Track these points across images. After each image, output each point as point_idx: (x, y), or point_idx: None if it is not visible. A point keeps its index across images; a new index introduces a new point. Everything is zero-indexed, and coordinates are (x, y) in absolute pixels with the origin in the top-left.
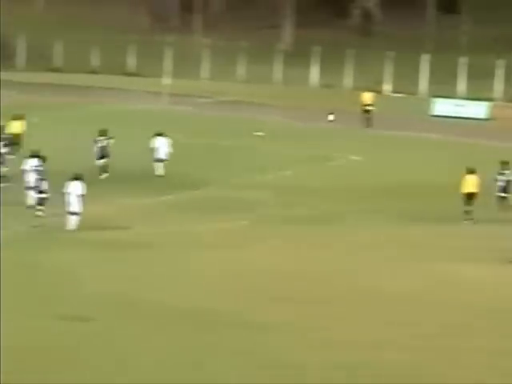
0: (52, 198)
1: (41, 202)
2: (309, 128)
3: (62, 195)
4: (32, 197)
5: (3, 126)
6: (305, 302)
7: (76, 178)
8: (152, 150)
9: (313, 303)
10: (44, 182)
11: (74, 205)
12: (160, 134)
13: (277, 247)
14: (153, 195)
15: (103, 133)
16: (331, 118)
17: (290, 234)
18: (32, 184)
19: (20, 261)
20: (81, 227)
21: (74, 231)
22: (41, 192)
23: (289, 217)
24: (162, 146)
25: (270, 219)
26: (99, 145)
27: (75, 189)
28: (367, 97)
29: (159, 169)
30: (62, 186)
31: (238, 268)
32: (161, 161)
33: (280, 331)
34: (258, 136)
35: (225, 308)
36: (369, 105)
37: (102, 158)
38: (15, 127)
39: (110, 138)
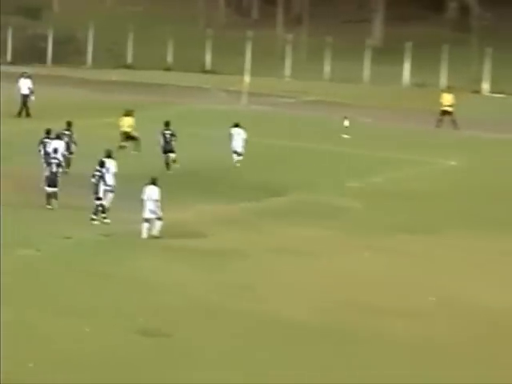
0: (128, 203)
1: (97, 210)
2: (400, 130)
3: (134, 200)
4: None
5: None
6: (410, 315)
7: (152, 183)
8: (229, 140)
9: (420, 316)
10: (103, 186)
11: (152, 211)
12: (237, 125)
13: (372, 256)
14: (233, 200)
15: (167, 125)
16: (346, 123)
17: (384, 244)
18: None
19: (95, 270)
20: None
21: (152, 238)
22: (98, 199)
23: (381, 225)
24: (238, 138)
25: (360, 227)
26: (165, 138)
27: (152, 194)
28: (447, 98)
29: (236, 161)
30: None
31: (337, 278)
32: (237, 154)
33: (391, 345)
34: (345, 138)
35: (334, 322)
36: (449, 106)
37: (168, 151)
38: (127, 123)
39: (173, 134)
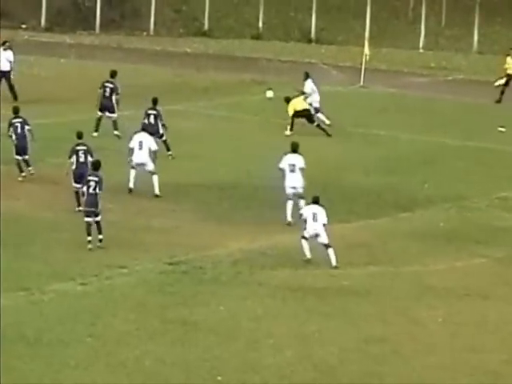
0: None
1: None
2: None
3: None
4: None
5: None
6: None
7: (315, 202)
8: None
9: None
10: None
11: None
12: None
13: None
14: (350, 217)
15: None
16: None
17: None
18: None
19: (165, 316)
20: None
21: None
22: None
23: None
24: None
25: None
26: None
27: (319, 215)
28: None
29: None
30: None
31: None
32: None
33: None
34: (501, 132)
35: None
36: None
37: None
38: (299, 103)
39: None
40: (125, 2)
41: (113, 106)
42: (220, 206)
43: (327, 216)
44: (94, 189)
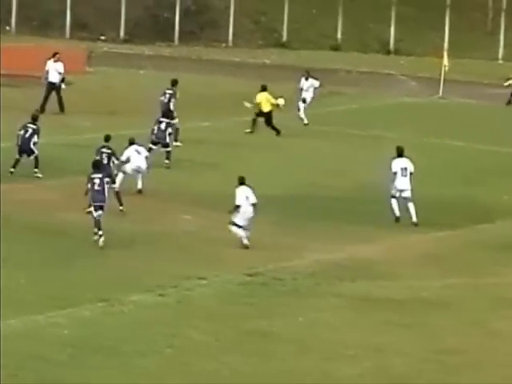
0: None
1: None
2: None
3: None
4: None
5: None
6: None
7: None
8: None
9: None
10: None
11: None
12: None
13: None
14: (423, 228)
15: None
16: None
17: None
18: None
19: (243, 327)
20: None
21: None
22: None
23: None
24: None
25: None
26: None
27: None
28: None
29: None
30: None
31: None
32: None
33: None
34: None
35: None
36: None
37: None
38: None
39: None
40: (203, 13)
41: (172, 113)
42: (299, 218)
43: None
44: (99, 185)
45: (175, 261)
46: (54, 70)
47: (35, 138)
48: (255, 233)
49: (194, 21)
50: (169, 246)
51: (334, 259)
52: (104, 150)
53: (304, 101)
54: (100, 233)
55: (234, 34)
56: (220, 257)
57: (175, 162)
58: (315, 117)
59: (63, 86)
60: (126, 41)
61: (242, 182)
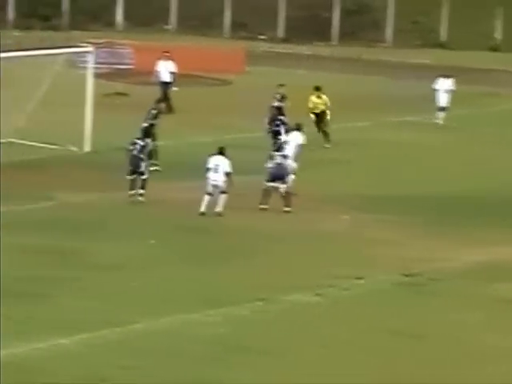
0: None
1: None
2: None
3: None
4: None
5: None
6: None
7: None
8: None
9: None
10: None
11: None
12: (446, 76)
13: None
14: None
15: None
16: None
17: None
18: None
19: (397, 328)
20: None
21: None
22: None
23: None
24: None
25: None
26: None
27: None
28: None
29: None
30: None
31: None
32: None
33: None
34: None
35: None
36: None
37: None
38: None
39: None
40: (363, 13)
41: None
42: (451, 218)
43: None
44: (139, 152)
45: (327, 261)
46: (165, 69)
47: None
48: (405, 233)
49: (353, 21)
50: (329, 246)
51: (487, 260)
52: (137, 141)
53: (442, 109)
54: (131, 192)
55: (394, 34)
56: (372, 257)
57: (329, 161)
58: (471, 117)
59: (174, 88)
60: (284, 40)
61: (220, 151)
